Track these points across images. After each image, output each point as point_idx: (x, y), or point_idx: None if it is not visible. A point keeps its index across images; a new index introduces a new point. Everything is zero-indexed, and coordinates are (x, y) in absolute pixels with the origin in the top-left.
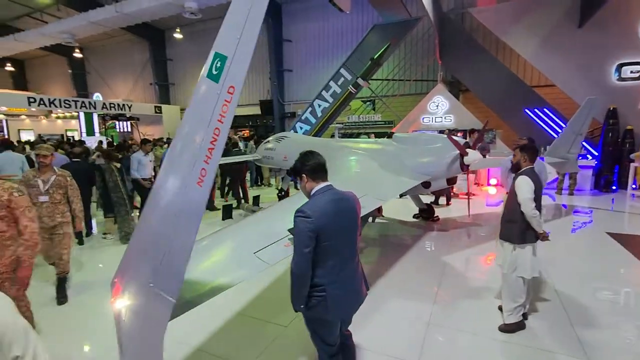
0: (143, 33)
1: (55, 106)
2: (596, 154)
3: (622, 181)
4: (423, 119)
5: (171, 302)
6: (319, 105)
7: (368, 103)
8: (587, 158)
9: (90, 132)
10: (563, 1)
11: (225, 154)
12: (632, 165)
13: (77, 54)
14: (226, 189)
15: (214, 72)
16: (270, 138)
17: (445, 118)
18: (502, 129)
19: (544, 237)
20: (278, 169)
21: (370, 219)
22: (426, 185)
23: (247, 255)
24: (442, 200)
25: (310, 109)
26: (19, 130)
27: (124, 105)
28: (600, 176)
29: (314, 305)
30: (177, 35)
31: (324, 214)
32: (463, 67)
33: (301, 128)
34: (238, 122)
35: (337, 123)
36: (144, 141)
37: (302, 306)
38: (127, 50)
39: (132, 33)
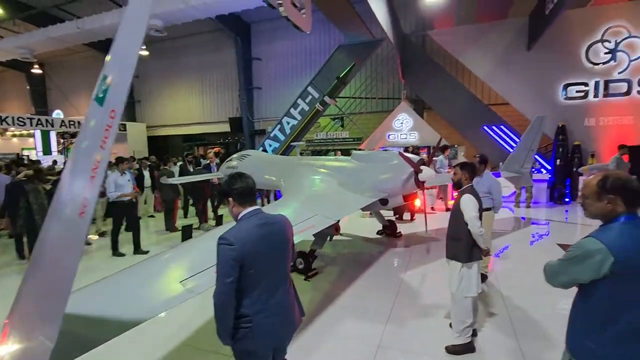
0: (107, 49)
1: (8, 124)
2: (549, 168)
3: (574, 193)
4: (389, 136)
5: (48, 347)
6: (288, 123)
7: (337, 120)
8: (542, 172)
9: (47, 151)
10: (513, 25)
11: (187, 173)
12: (581, 178)
13: (36, 70)
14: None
15: (100, 95)
16: (233, 156)
17: (409, 135)
18: (464, 144)
19: (487, 253)
20: None
21: (328, 238)
22: (384, 202)
23: (172, 285)
24: (407, 215)
25: (279, 126)
26: None
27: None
28: (554, 189)
29: (241, 337)
30: (143, 52)
31: (249, 240)
32: (424, 86)
33: (270, 145)
34: (208, 140)
35: (306, 141)
36: (120, 159)
37: (229, 340)
38: (91, 66)
39: (96, 49)
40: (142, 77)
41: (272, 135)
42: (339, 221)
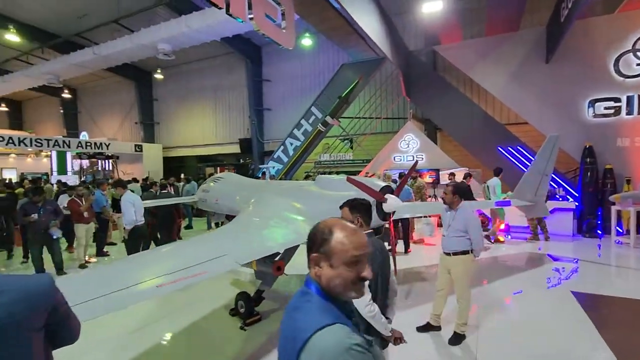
0: (130, 74)
1: (26, 145)
2: (576, 195)
3: (606, 225)
4: (394, 157)
5: None
6: (291, 144)
7: (345, 141)
8: (568, 199)
9: (62, 170)
10: (528, 36)
11: (153, 197)
12: (614, 208)
13: (66, 95)
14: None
15: None
16: (208, 179)
17: (416, 157)
18: (480, 168)
19: (398, 340)
20: (213, 213)
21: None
22: None
23: None
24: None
25: (282, 147)
26: (1, 168)
27: (101, 144)
28: (582, 220)
29: None
30: (158, 76)
31: None
32: (433, 105)
33: (274, 167)
34: (225, 161)
35: (315, 162)
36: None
37: None
38: (115, 90)
39: (119, 74)
40: (161, 100)
41: (275, 156)
42: (283, 259)
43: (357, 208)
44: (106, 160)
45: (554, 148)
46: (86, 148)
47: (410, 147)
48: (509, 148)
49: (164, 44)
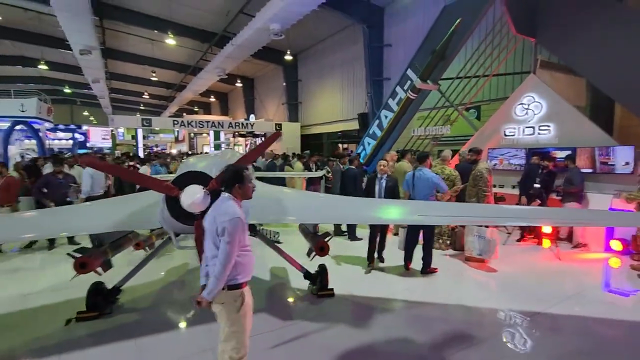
0: (278, 59)
1: (192, 127)
2: None
3: None
4: (505, 131)
5: None
6: (386, 117)
7: (472, 110)
8: None
9: (217, 147)
10: None
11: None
12: None
13: (239, 84)
14: None
15: None
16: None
17: (539, 129)
18: None
19: None
20: None
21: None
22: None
23: None
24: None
25: (377, 121)
26: (202, 145)
27: (247, 124)
28: None
29: None
30: (287, 57)
31: None
32: (576, 44)
33: (369, 144)
34: (354, 137)
35: (432, 138)
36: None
37: None
38: (273, 76)
39: (272, 62)
40: (304, 80)
41: (370, 132)
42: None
43: None
44: (256, 138)
45: None
46: (235, 128)
47: (529, 113)
48: None
49: (273, 24)
